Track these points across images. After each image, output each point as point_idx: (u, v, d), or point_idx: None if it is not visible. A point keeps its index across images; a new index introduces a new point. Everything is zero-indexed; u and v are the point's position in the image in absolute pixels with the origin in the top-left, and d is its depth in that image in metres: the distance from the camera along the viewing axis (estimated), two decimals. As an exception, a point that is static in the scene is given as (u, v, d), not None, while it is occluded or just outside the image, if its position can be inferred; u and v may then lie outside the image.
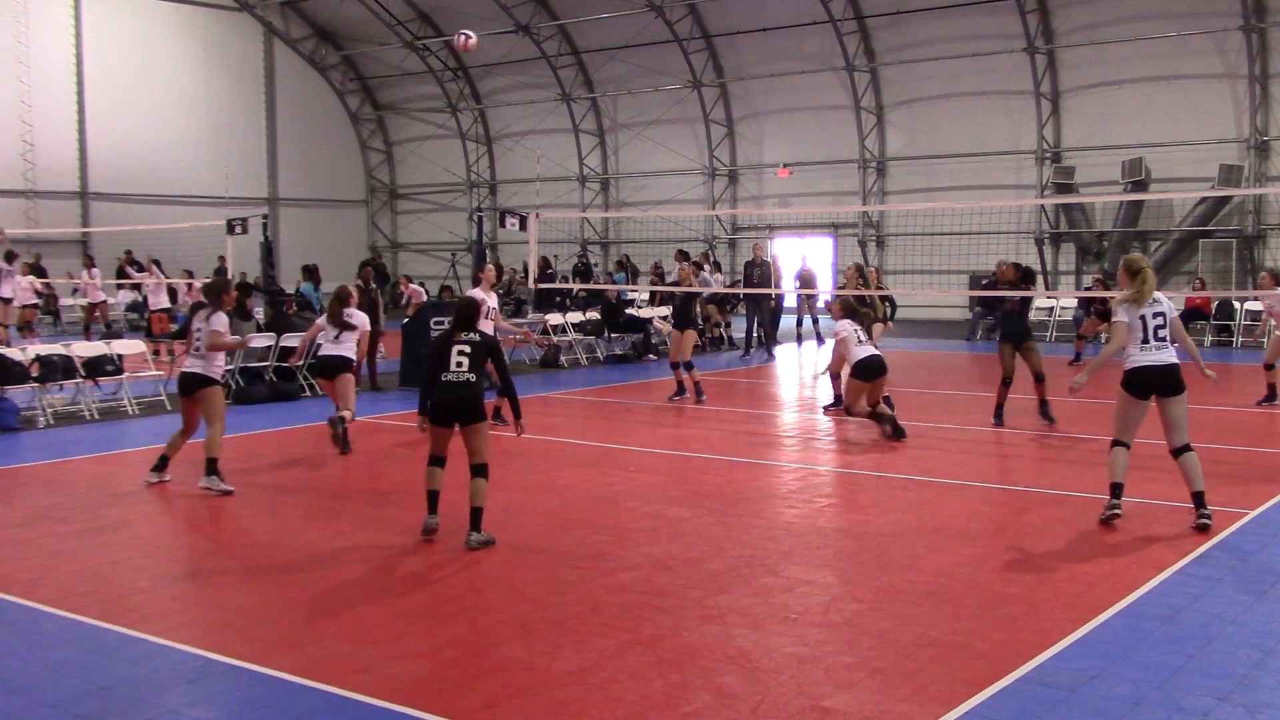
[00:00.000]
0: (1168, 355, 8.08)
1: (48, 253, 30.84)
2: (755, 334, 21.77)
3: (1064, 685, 5.28)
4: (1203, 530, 7.90)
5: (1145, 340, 8.08)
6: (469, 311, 8.14)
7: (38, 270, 29.21)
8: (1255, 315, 22.85)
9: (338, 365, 11.53)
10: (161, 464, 9.90)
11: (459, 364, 7.84)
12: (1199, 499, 8.06)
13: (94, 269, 25.78)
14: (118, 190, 33.21)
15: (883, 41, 29.72)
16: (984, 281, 24.75)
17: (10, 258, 22.96)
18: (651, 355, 20.85)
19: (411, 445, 12.03)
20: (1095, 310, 19.33)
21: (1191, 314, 22.73)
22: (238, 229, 20.37)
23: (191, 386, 9.80)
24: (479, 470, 7.82)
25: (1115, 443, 8.22)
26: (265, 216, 20.07)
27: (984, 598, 6.58)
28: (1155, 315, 8.13)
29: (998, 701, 5.11)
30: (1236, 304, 22.63)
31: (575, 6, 32.50)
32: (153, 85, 34.25)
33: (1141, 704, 5.06)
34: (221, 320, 9.86)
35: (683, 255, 26.12)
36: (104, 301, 26.00)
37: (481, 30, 34.11)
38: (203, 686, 5.49)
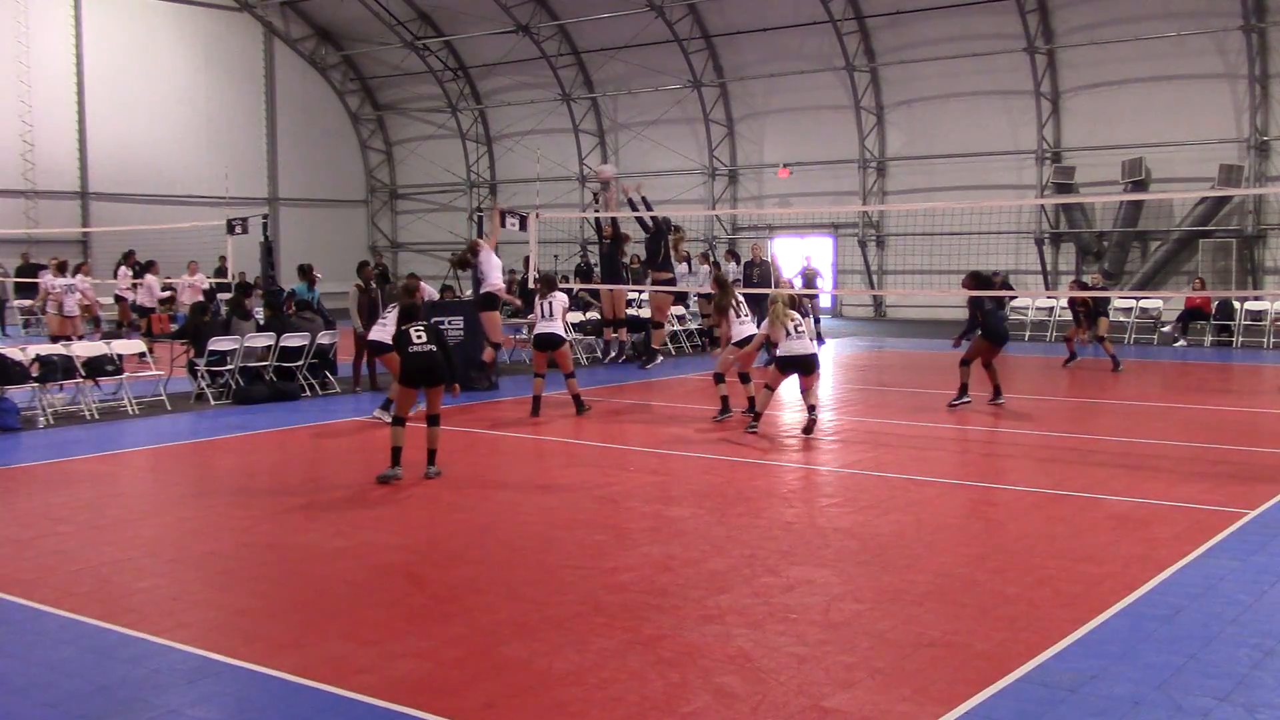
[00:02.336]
0: None
1: (48, 253, 30.85)
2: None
3: (1064, 685, 5.28)
4: None
5: None
6: (410, 308, 10.27)
7: (30, 270, 29.18)
8: (1256, 315, 22.88)
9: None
10: None
11: (419, 338, 9.86)
12: None
13: (126, 268, 25.74)
14: (118, 190, 33.21)
15: (883, 41, 29.73)
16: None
17: (63, 268, 22.82)
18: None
19: (410, 445, 12.03)
20: (1081, 310, 19.09)
21: (1192, 314, 22.73)
22: (238, 229, 20.38)
23: None
24: (434, 420, 10.16)
25: None
26: (265, 216, 20.08)
27: (984, 598, 6.58)
28: None
29: (998, 701, 5.11)
30: (1236, 304, 22.64)
31: (575, 6, 32.51)
32: (153, 85, 34.25)
33: (1141, 704, 5.06)
34: None
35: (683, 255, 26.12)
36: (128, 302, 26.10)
37: (481, 30, 34.29)
38: (203, 686, 5.49)
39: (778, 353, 12.44)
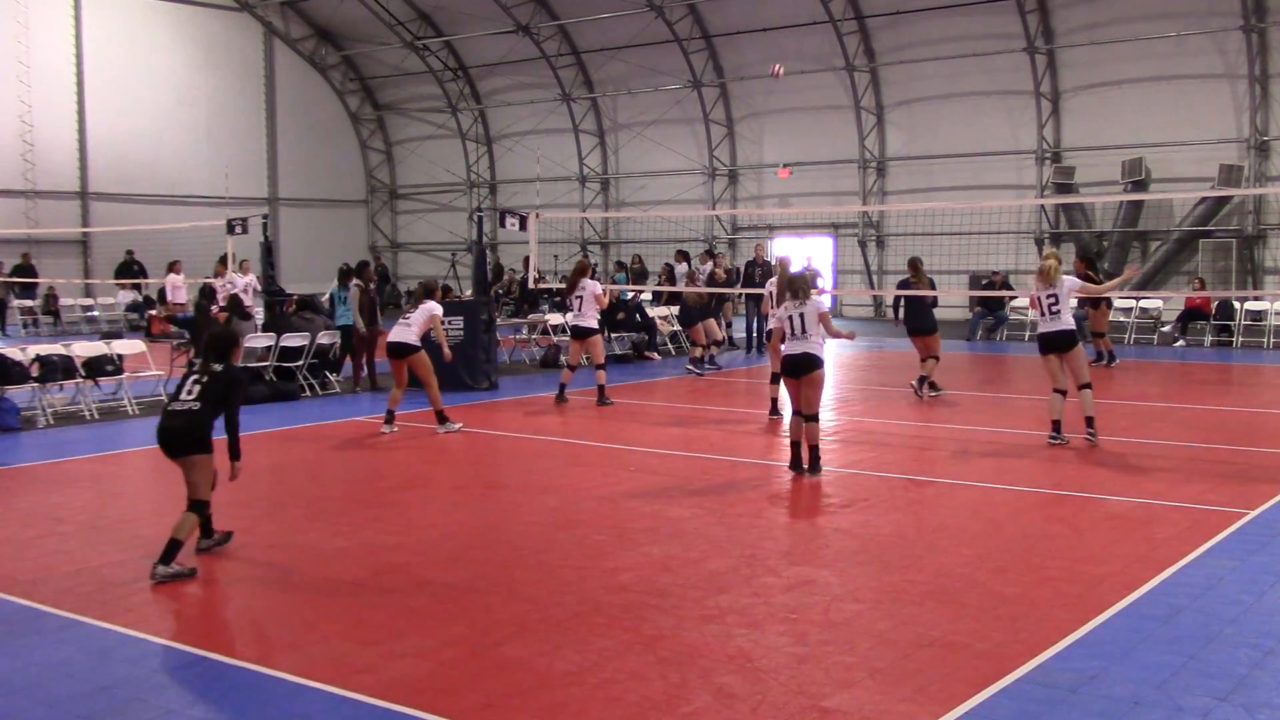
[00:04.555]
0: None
1: (48, 253, 30.89)
2: (755, 333, 21.80)
3: (1064, 685, 5.28)
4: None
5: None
6: (218, 345, 7.74)
7: (28, 270, 29.17)
8: (1256, 315, 22.88)
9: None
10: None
11: (189, 393, 7.54)
12: (1089, 421, 11.10)
13: (177, 273, 25.60)
14: (118, 190, 33.19)
15: (883, 41, 29.72)
16: (983, 281, 24.88)
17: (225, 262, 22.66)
18: (654, 355, 20.84)
19: (411, 445, 12.04)
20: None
21: (1192, 314, 22.73)
22: (238, 229, 20.36)
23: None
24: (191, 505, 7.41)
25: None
26: (265, 216, 20.05)
27: (984, 598, 6.58)
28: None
29: (998, 701, 5.11)
30: (1236, 304, 22.63)
31: (575, 6, 32.49)
32: (153, 85, 34.23)
33: (1141, 704, 5.06)
34: None
35: (682, 255, 26.18)
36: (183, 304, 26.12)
37: (481, 30, 34.28)
38: (203, 686, 5.49)
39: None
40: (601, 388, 14.67)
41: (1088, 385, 11.26)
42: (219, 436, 7.55)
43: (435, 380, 12.75)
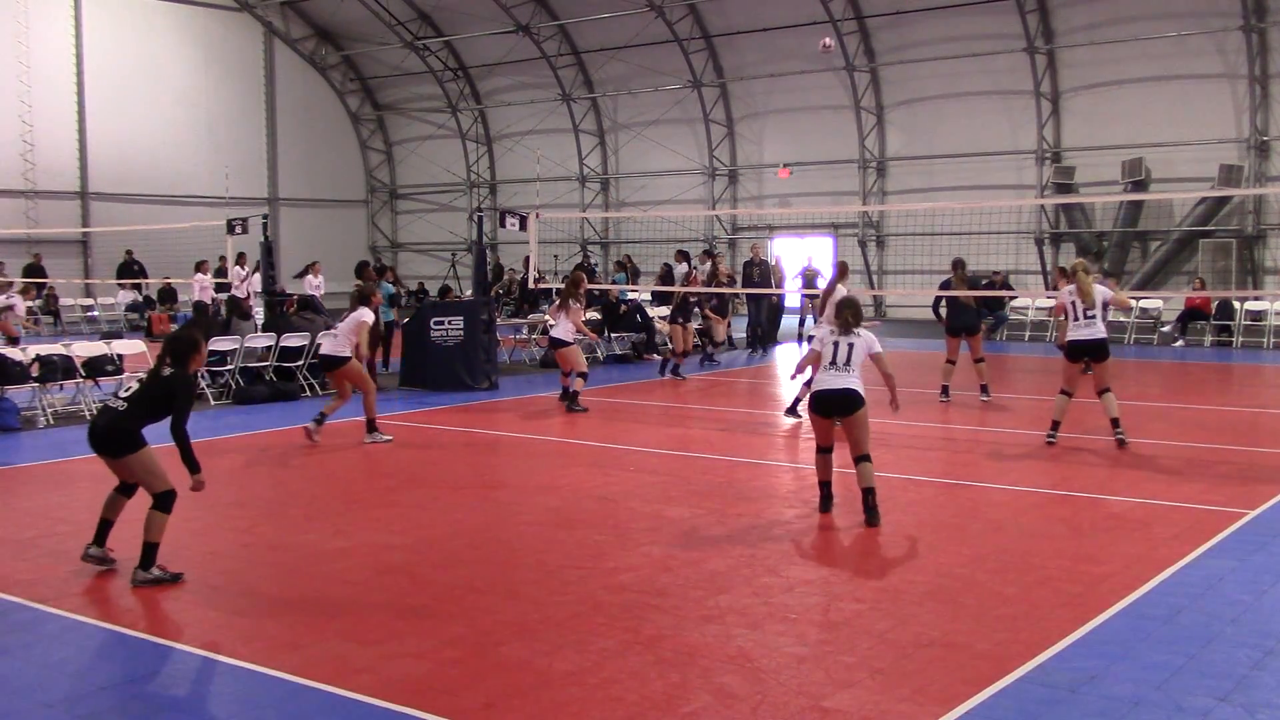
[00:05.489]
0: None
1: (48, 253, 30.89)
2: (755, 333, 21.82)
3: (1064, 685, 5.28)
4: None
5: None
6: (175, 348, 7.12)
7: (38, 270, 29.25)
8: (1256, 315, 22.87)
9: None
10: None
11: (126, 390, 7.18)
12: (1115, 423, 11.20)
13: (204, 273, 25.42)
14: (118, 190, 33.21)
15: (883, 41, 29.73)
16: (984, 281, 24.87)
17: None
18: (654, 355, 20.84)
19: (411, 445, 12.04)
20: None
21: (1192, 314, 22.73)
22: (238, 229, 20.35)
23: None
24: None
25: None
26: (265, 216, 20.04)
27: (984, 598, 6.58)
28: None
29: (998, 701, 5.11)
30: (1236, 304, 22.63)
31: (575, 6, 32.50)
32: (153, 85, 34.25)
33: (1141, 704, 5.06)
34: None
35: (682, 255, 26.17)
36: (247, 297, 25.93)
37: (481, 30, 34.28)
38: (203, 686, 5.49)
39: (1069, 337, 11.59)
40: (575, 393, 14.17)
41: (1108, 389, 11.38)
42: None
43: (373, 388, 12.23)
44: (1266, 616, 6.24)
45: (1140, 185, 25.47)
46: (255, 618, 6.44)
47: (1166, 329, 23.08)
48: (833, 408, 8.46)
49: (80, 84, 32.86)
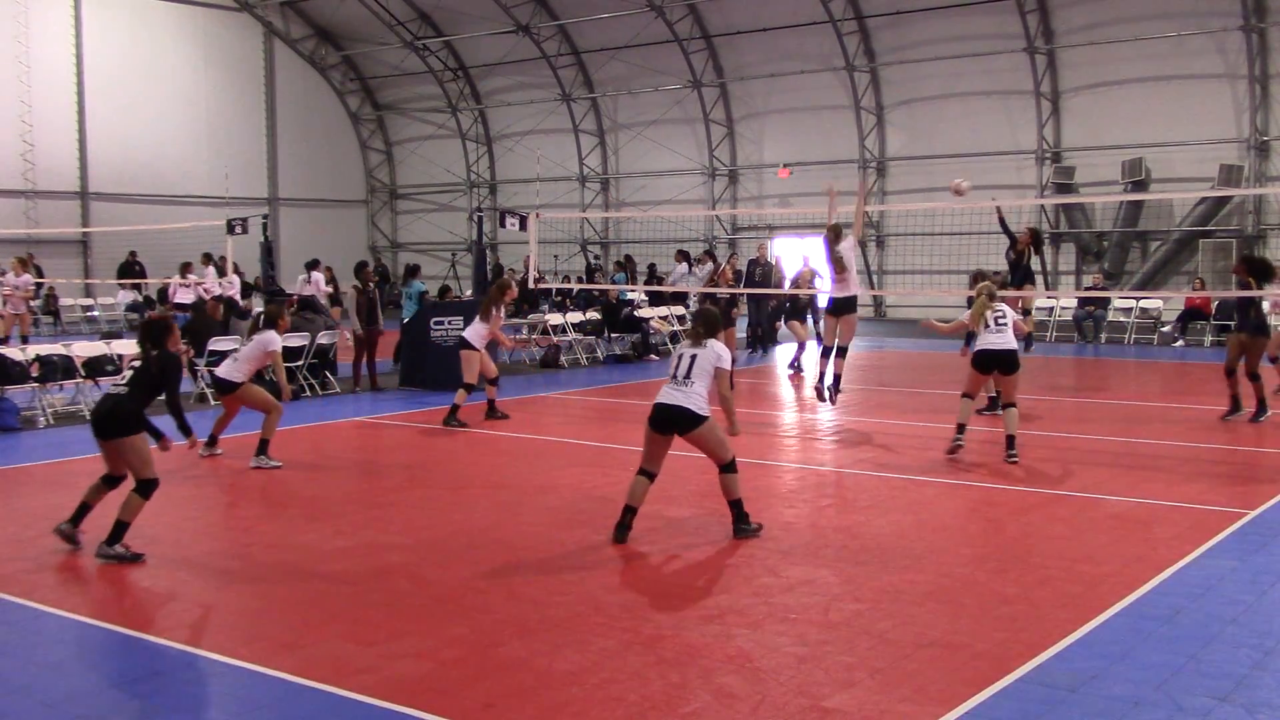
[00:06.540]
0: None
1: (48, 253, 30.87)
2: (756, 333, 21.81)
3: (1064, 685, 5.28)
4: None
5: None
6: (152, 331, 7.86)
7: (34, 270, 29.19)
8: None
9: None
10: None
11: (123, 378, 7.89)
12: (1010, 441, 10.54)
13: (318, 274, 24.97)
14: (118, 190, 33.20)
15: (883, 41, 29.72)
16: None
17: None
18: (653, 355, 20.84)
19: (411, 445, 12.04)
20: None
21: (1191, 314, 22.73)
22: (238, 229, 20.38)
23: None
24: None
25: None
26: (265, 216, 20.10)
27: (984, 598, 6.58)
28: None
29: (998, 701, 5.11)
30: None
31: (575, 6, 32.50)
32: (152, 85, 34.24)
33: (1141, 704, 5.06)
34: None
35: (682, 255, 26.15)
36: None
37: (481, 30, 34.29)
38: (203, 686, 5.49)
39: (975, 346, 11.13)
40: (456, 407, 13.16)
41: (1013, 404, 10.76)
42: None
43: (275, 410, 10.92)
44: (1266, 616, 6.24)
45: (1140, 185, 25.47)
46: (255, 618, 6.44)
47: (1166, 329, 23.08)
48: (668, 424, 7.97)
49: (80, 84, 32.85)
